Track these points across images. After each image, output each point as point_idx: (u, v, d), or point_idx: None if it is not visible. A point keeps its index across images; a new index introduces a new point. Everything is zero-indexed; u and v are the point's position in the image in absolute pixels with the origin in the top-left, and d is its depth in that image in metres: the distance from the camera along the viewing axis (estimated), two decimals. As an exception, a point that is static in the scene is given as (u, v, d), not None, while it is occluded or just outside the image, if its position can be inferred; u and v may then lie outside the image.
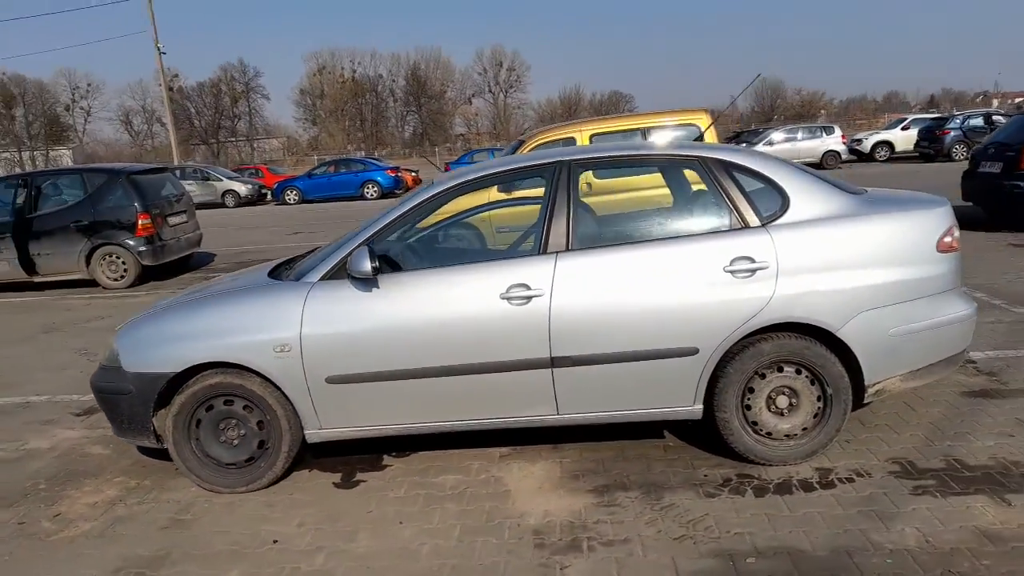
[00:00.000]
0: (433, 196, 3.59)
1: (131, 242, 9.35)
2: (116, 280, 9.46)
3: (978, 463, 3.36)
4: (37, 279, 9.54)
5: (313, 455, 3.92)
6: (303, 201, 24.32)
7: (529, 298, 3.33)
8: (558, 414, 3.47)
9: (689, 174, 3.87)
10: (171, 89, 77.52)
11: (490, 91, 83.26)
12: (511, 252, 3.83)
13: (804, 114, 67.16)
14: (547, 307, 3.33)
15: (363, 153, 60.56)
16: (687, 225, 3.54)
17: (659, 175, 4.36)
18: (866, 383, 3.42)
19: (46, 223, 9.35)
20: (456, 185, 3.63)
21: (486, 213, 4.70)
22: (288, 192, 24.44)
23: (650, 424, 3.86)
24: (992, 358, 4.70)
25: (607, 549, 2.89)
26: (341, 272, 3.43)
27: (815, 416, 3.46)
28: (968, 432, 3.68)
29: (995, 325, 5.35)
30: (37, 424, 4.70)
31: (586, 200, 4.73)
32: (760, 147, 23.93)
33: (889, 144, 25.58)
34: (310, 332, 3.38)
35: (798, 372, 3.42)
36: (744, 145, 24.76)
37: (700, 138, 4.54)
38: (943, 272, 3.44)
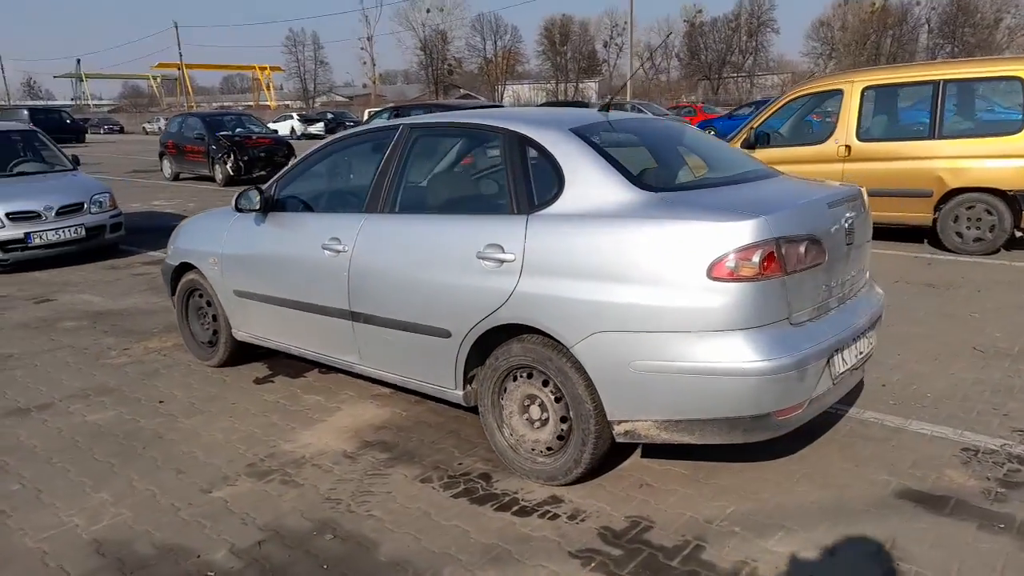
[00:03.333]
0: (312, 153, 4.02)
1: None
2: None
3: (667, 544, 2.56)
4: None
5: (286, 356, 4.82)
6: (719, 140, 23.86)
7: (338, 252, 3.61)
8: (361, 363, 3.71)
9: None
10: (692, 24, 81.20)
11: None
12: (353, 207, 3.93)
13: None
14: (348, 263, 3.56)
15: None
16: (474, 202, 3.30)
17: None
18: (608, 417, 2.84)
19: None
20: (327, 143, 4.00)
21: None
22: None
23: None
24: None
25: (278, 485, 3.18)
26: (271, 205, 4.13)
27: (559, 438, 3.02)
28: (790, 528, 2.72)
29: None
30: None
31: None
32: None
33: None
34: (225, 251, 4.24)
35: (545, 384, 3.01)
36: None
37: (606, 108, 3.70)
38: (717, 305, 2.57)
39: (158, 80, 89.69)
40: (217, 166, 15.20)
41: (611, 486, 3.08)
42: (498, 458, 3.28)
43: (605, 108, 3.55)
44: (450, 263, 3.17)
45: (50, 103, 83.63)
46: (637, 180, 2.89)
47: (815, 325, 2.79)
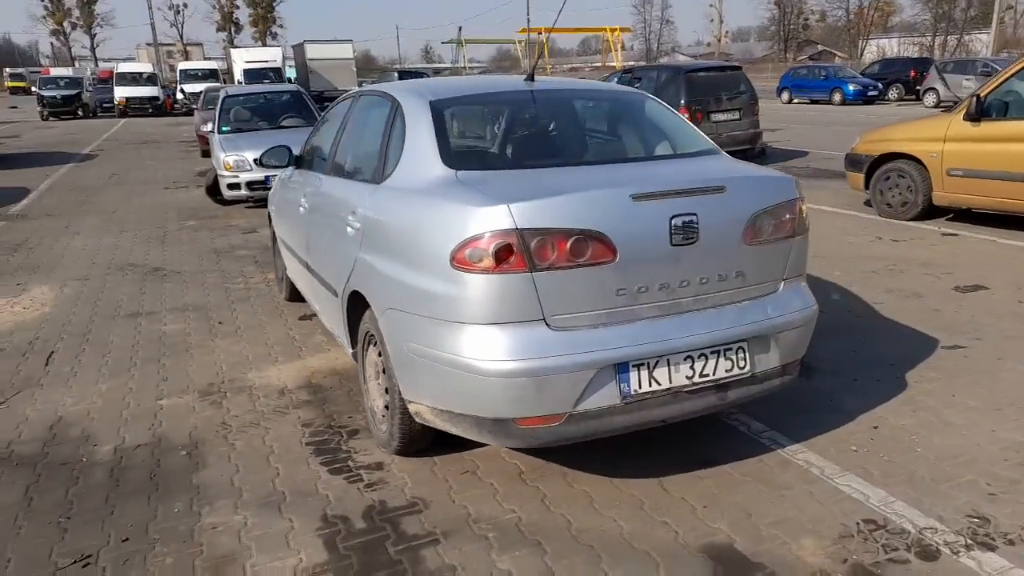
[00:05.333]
0: (325, 113, 4.34)
1: (669, 132, 10.67)
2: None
3: (410, 532, 2.45)
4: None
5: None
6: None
7: (304, 208, 3.94)
8: (319, 314, 4.02)
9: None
10: None
11: None
12: (323, 167, 4.01)
13: None
14: (307, 218, 3.88)
15: None
16: (363, 169, 3.34)
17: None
18: (402, 395, 2.80)
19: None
20: (332, 106, 4.26)
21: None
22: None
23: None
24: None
25: (208, 405, 3.69)
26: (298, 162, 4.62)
27: (386, 407, 3.04)
28: (542, 550, 2.47)
29: None
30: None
31: None
32: None
33: None
34: (274, 201, 4.84)
35: (380, 354, 3.04)
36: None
37: (530, 76, 3.21)
38: (457, 296, 2.40)
39: (522, 44, 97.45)
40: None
41: (441, 466, 3.03)
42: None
43: (530, 77, 3.31)
44: (334, 226, 3.33)
45: (437, 66, 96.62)
46: (450, 157, 2.74)
47: (594, 333, 2.41)
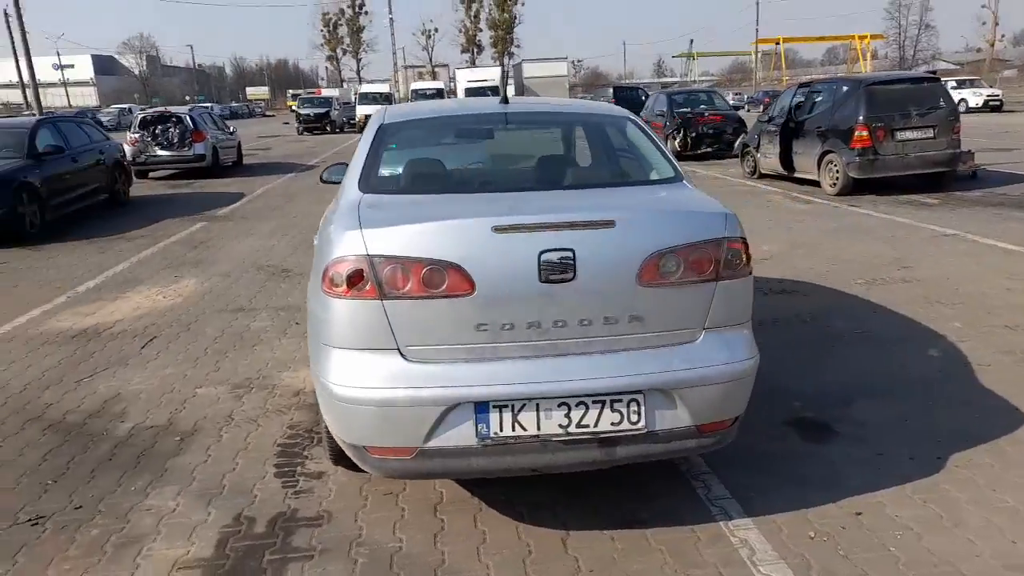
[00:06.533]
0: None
1: (844, 151, 9.63)
2: (831, 186, 10.02)
3: (296, 544, 2.49)
4: (794, 174, 10.97)
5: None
6: None
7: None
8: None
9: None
10: None
11: None
12: None
13: None
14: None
15: None
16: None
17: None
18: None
19: (804, 126, 10.55)
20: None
21: None
22: None
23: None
24: None
25: (230, 399, 4.03)
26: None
27: (327, 421, 3.12)
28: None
29: None
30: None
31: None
32: None
33: None
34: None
35: (327, 366, 3.14)
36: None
37: (504, 99, 2.91)
38: (325, 319, 2.44)
39: (758, 55, 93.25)
40: (669, 141, 15.95)
41: (373, 483, 3.03)
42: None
43: (504, 99, 3.21)
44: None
45: (666, 80, 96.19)
46: (367, 181, 2.77)
47: (451, 368, 2.29)
